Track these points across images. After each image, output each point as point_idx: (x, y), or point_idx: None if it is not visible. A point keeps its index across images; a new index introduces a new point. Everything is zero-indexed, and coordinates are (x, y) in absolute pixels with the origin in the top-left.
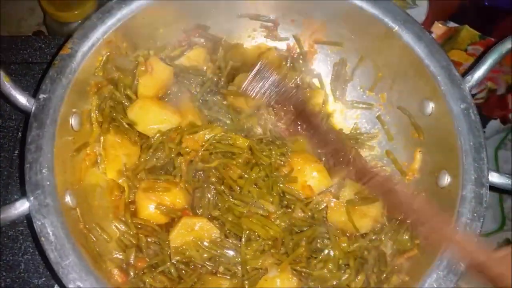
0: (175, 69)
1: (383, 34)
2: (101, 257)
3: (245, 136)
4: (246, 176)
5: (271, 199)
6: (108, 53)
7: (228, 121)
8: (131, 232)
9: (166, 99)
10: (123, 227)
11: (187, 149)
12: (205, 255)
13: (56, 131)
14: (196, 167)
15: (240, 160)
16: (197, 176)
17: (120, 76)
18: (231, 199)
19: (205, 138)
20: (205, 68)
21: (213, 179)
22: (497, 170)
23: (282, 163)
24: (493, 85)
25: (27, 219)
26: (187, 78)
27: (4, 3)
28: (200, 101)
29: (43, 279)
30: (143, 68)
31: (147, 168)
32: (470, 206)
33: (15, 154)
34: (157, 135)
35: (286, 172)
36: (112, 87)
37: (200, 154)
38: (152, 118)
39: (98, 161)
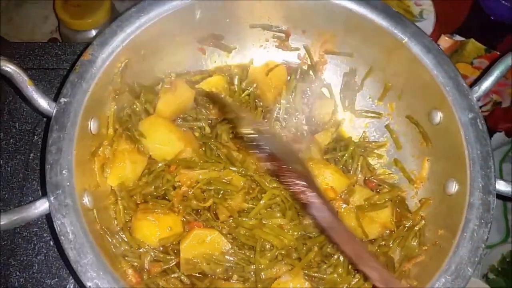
0: (195, 93)
1: (392, 45)
2: (116, 257)
3: (243, 173)
4: (250, 204)
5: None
6: (127, 60)
7: (225, 160)
8: (133, 251)
9: (180, 121)
10: (125, 246)
11: (179, 183)
12: (218, 269)
13: (76, 134)
14: (190, 205)
15: (236, 196)
16: (193, 214)
17: (143, 91)
18: (238, 218)
19: (199, 177)
20: (223, 95)
21: (209, 216)
22: None
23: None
24: (498, 98)
25: (46, 219)
26: (205, 102)
27: (19, 10)
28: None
29: (56, 279)
30: (167, 86)
31: (143, 193)
32: (477, 213)
33: (30, 157)
34: (161, 163)
35: None
36: (132, 98)
37: (192, 192)
38: (158, 137)
39: (106, 164)
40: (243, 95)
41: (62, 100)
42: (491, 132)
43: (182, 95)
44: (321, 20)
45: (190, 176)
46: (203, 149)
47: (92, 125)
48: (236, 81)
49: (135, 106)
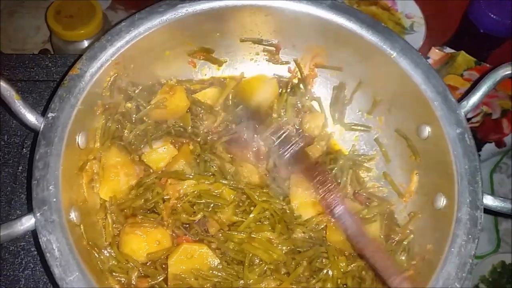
0: (191, 102)
1: (381, 60)
2: (103, 273)
3: (234, 186)
4: (240, 218)
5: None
6: (116, 74)
7: (217, 171)
8: (120, 266)
9: (173, 133)
10: (112, 261)
11: (167, 196)
12: (206, 285)
13: (64, 149)
14: (180, 218)
15: (226, 209)
16: (182, 228)
17: (135, 90)
18: (227, 232)
19: (188, 189)
20: (217, 108)
21: (198, 230)
22: (492, 193)
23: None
24: (488, 109)
25: (32, 235)
26: (198, 112)
27: (11, 20)
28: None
29: None
30: (167, 88)
31: (133, 206)
32: (465, 228)
33: (19, 170)
34: (152, 176)
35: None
36: (122, 97)
37: (180, 205)
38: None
39: (94, 179)
40: (237, 109)
41: (50, 115)
42: (482, 143)
43: (179, 101)
44: (311, 35)
45: (179, 188)
46: (198, 161)
47: (80, 140)
48: (230, 96)
49: (128, 105)
